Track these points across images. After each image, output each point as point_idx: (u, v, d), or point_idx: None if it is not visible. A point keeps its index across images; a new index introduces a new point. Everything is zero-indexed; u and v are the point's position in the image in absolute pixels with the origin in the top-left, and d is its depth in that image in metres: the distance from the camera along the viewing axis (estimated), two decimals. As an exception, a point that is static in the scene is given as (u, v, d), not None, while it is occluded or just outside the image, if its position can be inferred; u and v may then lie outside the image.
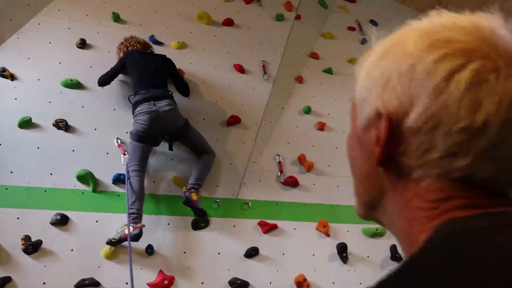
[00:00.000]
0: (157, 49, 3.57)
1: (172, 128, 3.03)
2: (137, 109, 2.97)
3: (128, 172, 2.87)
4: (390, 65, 0.46)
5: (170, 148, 3.13)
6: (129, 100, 3.18)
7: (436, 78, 0.41)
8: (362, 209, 0.55)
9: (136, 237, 2.68)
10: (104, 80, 3.18)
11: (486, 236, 0.37)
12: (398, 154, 0.45)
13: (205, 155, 3.16)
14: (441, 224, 0.41)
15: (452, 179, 0.42)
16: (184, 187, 2.96)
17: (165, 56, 3.34)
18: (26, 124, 3.00)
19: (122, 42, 3.35)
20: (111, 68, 3.20)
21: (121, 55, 3.28)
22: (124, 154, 3.04)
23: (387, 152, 0.45)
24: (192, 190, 2.93)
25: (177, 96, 3.29)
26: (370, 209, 0.53)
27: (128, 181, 2.83)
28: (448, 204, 0.42)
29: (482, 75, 0.40)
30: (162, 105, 2.97)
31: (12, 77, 3.14)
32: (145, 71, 3.10)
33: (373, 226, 3.47)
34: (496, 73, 0.40)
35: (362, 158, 0.51)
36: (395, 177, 0.46)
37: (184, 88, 3.36)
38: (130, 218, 2.71)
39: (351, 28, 4.80)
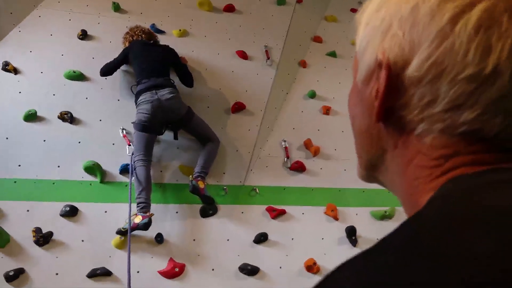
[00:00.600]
0: (158, 38, 3.54)
1: (175, 116, 3.02)
2: (140, 99, 2.96)
3: (134, 162, 2.87)
4: (392, 10, 0.42)
5: (175, 137, 3.13)
6: (132, 90, 3.16)
7: (440, 20, 0.37)
8: (363, 169, 0.52)
9: (145, 226, 2.69)
10: (106, 71, 3.18)
11: (491, 192, 0.34)
12: (399, 107, 0.41)
13: (209, 142, 3.15)
14: (445, 183, 0.38)
15: (457, 134, 0.38)
16: (190, 176, 2.96)
17: (167, 46, 3.32)
18: (32, 117, 3.01)
19: (127, 32, 3.34)
20: (114, 58, 3.19)
21: (127, 44, 3.27)
22: (129, 145, 3.04)
23: (387, 105, 0.42)
24: (199, 178, 2.93)
25: (180, 85, 3.27)
26: (371, 169, 0.50)
27: (134, 171, 2.84)
28: (453, 161, 0.39)
29: (493, 16, 0.36)
30: (164, 93, 2.95)
31: (15, 71, 3.14)
32: (147, 61, 3.08)
33: (382, 208, 3.46)
34: (508, 14, 0.36)
35: (362, 114, 0.47)
36: (396, 134, 0.43)
37: (188, 79, 3.34)
38: (138, 208, 2.72)
39: (354, 10, 4.72)
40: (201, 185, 2.90)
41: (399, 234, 0.33)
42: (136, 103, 3.01)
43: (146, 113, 2.90)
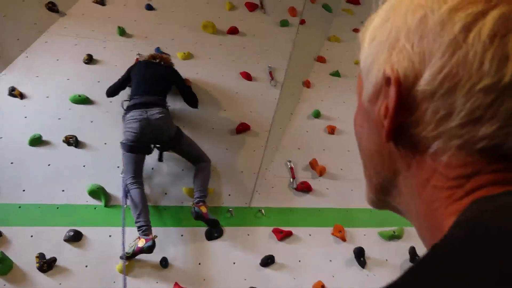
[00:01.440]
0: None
1: (164, 136, 2.96)
2: (128, 115, 2.92)
3: (126, 185, 2.83)
4: (398, 23, 0.40)
5: (160, 159, 3.06)
6: (122, 106, 3.12)
7: (452, 30, 0.35)
8: (373, 194, 0.48)
9: (150, 248, 2.65)
10: (112, 91, 3.20)
11: None
12: (410, 124, 0.39)
13: (201, 163, 3.08)
14: (470, 204, 0.35)
15: (477, 151, 0.36)
16: (191, 203, 2.92)
17: (171, 67, 3.31)
18: (37, 141, 3.02)
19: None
20: (118, 79, 3.21)
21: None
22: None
23: (398, 123, 0.39)
24: (200, 203, 2.88)
25: (181, 105, 3.28)
26: (382, 194, 0.46)
27: (129, 194, 2.80)
28: (475, 181, 0.36)
29: (508, 23, 0.34)
30: (154, 112, 2.91)
31: (22, 96, 3.17)
32: (145, 78, 3.07)
33: (390, 228, 3.40)
34: None
35: (370, 135, 0.45)
36: (409, 153, 0.40)
37: (192, 100, 3.34)
38: (140, 231, 2.70)
39: (356, 30, 4.74)
40: (203, 210, 2.85)
41: (429, 264, 0.30)
42: (123, 119, 2.97)
43: (133, 132, 2.86)
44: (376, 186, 0.47)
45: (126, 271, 2.75)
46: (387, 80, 0.39)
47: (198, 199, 2.91)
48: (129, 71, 3.19)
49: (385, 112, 0.40)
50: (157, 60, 3.27)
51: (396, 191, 0.44)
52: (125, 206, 2.78)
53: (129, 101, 3.03)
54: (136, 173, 2.87)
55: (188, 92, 3.34)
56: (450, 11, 0.36)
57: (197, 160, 3.09)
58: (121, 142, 2.92)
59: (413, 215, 0.43)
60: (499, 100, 0.34)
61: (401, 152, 0.41)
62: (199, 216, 2.84)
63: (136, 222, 2.73)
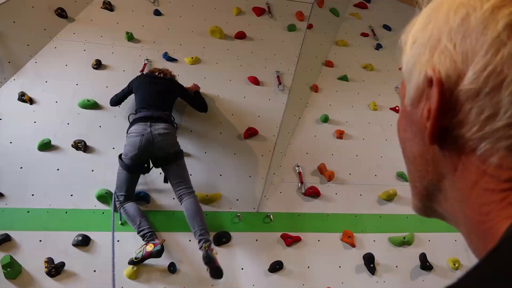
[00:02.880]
0: (171, 66, 3.58)
1: (163, 152, 2.83)
2: (132, 128, 2.86)
3: (117, 201, 2.79)
4: (439, 24, 0.39)
5: (165, 181, 2.94)
6: (128, 119, 3.05)
7: (495, 27, 0.35)
8: (418, 201, 0.47)
9: (159, 253, 2.65)
10: (115, 101, 3.21)
11: None
12: (455, 126, 0.38)
13: (189, 196, 2.83)
14: None
15: None
16: (204, 245, 2.68)
17: (173, 79, 3.26)
18: (46, 146, 3.03)
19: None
20: (121, 89, 3.21)
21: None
22: None
23: (442, 125, 0.38)
24: (212, 247, 2.70)
25: (188, 111, 3.27)
26: (427, 199, 0.45)
27: (123, 210, 2.77)
28: None
29: None
30: (159, 127, 2.84)
31: (31, 101, 3.19)
32: (148, 92, 3.03)
33: (400, 234, 3.36)
34: None
35: (413, 138, 0.44)
36: (455, 156, 0.39)
37: (200, 104, 3.34)
38: (146, 238, 2.70)
39: (364, 34, 4.75)
40: (215, 255, 2.69)
41: (481, 272, 0.29)
42: (127, 132, 2.91)
43: (133, 149, 2.78)
44: (421, 192, 0.46)
45: (133, 276, 2.74)
46: (429, 82, 0.39)
47: (207, 240, 2.70)
48: (131, 84, 3.16)
49: (428, 114, 0.39)
50: (159, 74, 3.20)
51: (442, 196, 0.43)
52: (114, 214, 2.77)
53: (135, 114, 2.99)
54: (129, 192, 2.82)
55: (195, 99, 3.34)
56: (493, 9, 0.35)
57: (182, 187, 2.85)
58: (119, 157, 2.84)
59: (460, 221, 0.42)
60: None
61: (445, 155, 0.40)
62: (210, 261, 2.64)
63: (139, 232, 2.72)
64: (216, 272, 2.67)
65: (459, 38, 0.37)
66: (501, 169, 0.36)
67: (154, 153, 2.85)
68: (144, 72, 3.35)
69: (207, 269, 2.66)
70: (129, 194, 2.83)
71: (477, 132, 0.36)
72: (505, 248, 0.30)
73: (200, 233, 2.72)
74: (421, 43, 0.41)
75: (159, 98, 3.04)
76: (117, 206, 2.80)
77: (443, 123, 0.38)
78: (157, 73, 3.20)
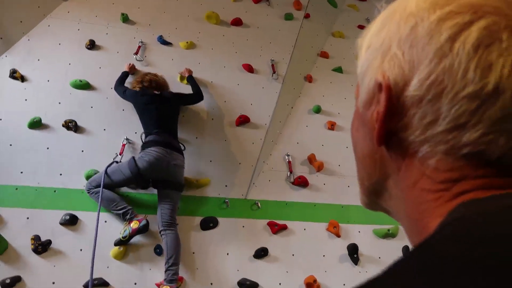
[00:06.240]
0: (165, 49, 3.57)
1: (172, 179, 2.90)
2: (152, 148, 2.85)
3: (94, 187, 2.79)
4: (391, 32, 0.41)
5: (145, 187, 2.95)
6: (141, 138, 3.05)
7: (439, 39, 0.37)
8: (365, 197, 0.50)
9: (145, 227, 2.72)
10: (118, 91, 3.20)
11: (504, 219, 0.32)
12: (400, 129, 0.40)
13: (172, 230, 2.80)
14: (456, 207, 0.36)
15: (463, 157, 0.37)
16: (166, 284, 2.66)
17: (170, 93, 3.20)
18: (36, 125, 3.02)
19: (138, 78, 3.23)
20: (125, 90, 3.15)
21: (137, 89, 3.15)
22: (121, 154, 3.04)
23: (388, 128, 0.41)
24: (173, 284, 2.65)
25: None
26: (374, 196, 0.48)
27: (93, 193, 2.79)
28: (462, 185, 0.37)
29: (493, 33, 0.35)
30: (177, 158, 2.92)
31: (22, 79, 3.17)
32: (156, 117, 2.99)
33: (385, 226, 3.41)
34: (509, 31, 0.35)
35: (364, 139, 0.46)
36: (399, 157, 0.41)
37: (196, 98, 3.32)
38: (127, 216, 2.75)
39: (361, 27, 4.73)
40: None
41: (407, 264, 0.31)
42: (144, 148, 2.90)
43: (151, 164, 2.79)
44: (368, 189, 0.49)
45: (120, 257, 2.78)
46: (379, 86, 0.41)
47: (172, 279, 2.65)
48: (132, 99, 3.12)
49: (376, 117, 0.41)
50: (155, 90, 3.14)
51: (387, 194, 0.46)
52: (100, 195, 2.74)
53: (149, 134, 2.97)
54: (110, 187, 2.83)
55: (191, 96, 3.31)
56: (438, 21, 0.37)
57: (169, 217, 2.83)
58: (133, 158, 2.84)
59: (402, 217, 0.44)
60: (483, 107, 0.35)
61: (391, 156, 0.43)
62: None
63: (118, 211, 2.76)
64: None
65: (407, 46, 0.39)
66: (438, 172, 0.38)
67: (163, 177, 2.88)
68: (137, 89, 3.15)
69: None
70: (110, 188, 2.83)
71: (420, 136, 0.39)
72: (425, 247, 0.33)
73: (170, 265, 2.67)
74: (374, 48, 0.44)
75: (164, 120, 3.02)
76: (88, 189, 2.81)
77: (390, 126, 0.41)
78: (149, 86, 3.13)
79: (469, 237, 0.31)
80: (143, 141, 3.00)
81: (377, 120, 0.41)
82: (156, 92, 3.13)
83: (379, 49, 0.42)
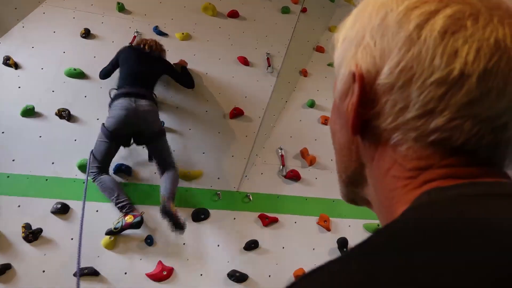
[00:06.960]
0: (161, 40, 3.55)
1: (146, 129, 2.86)
2: (116, 102, 2.84)
3: (91, 172, 2.76)
4: (364, 23, 0.42)
5: (150, 159, 2.97)
6: (109, 95, 3.02)
7: (407, 27, 0.38)
8: (344, 188, 0.51)
9: (139, 224, 2.70)
10: (103, 74, 3.18)
11: (463, 205, 0.33)
12: (373, 117, 0.41)
13: (170, 169, 2.91)
14: (420, 195, 0.37)
15: (431, 144, 0.38)
16: (162, 198, 2.76)
17: (161, 57, 3.22)
18: (29, 112, 3.01)
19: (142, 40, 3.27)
20: (109, 62, 3.16)
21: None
22: None
23: (363, 117, 0.41)
24: (170, 201, 2.74)
25: (175, 88, 3.26)
26: (351, 186, 0.49)
27: (98, 181, 2.76)
28: (428, 174, 0.38)
29: (458, 21, 0.36)
30: (143, 103, 2.84)
31: (16, 66, 3.16)
32: (134, 70, 2.99)
33: (375, 221, 3.44)
34: (474, 19, 0.36)
35: (340, 130, 0.47)
36: (373, 146, 0.42)
37: (186, 81, 3.33)
38: (124, 210, 2.73)
39: (358, 22, 4.73)
40: (173, 208, 2.73)
41: (367, 244, 0.33)
42: (110, 106, 2.89)
43: (118, 120, 2.77)
44: (345, 180, 0.50)
45: (110, 246, 2.79)
46: (353, 76, 0.42)
47: (167, 196, 2.73)
48: (118, 55, 3.12)
49: (351, 107, 0.42)
50: (148, 49, 3.13)
51: (365, 183, 0.47)
52: (87, 182, 2.74)
53: (117, 90, 2.96)
54: (105, 163, 2.81)
55: (183, 75, 3.32)
56: (406, 10, 0.38)
57: (165, 163, 2.92)
58: (102, 125, 2.82)
59: (376, 206, 0.46)
60: (450, 93, 0.36)
61: (366, 145, 0.43)
62: (167, 213, 2.69)
63: (116, 204, 2.75)
64: (176, 224, 2.73)
65: (379, 36, 0.40)
66: (407, 159, 0.39)
67: (137, 129, 2.85)
68: (133, 44, 3.29)
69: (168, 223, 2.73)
70: (105, 165, 2.82)
71: (391, 123, 0.39)
72: (383, 230, 0.34)
73: (165, 193, 2.75)
74: (349, 40, 0.44)
75: (144, 77, 3.01)
76: (92, 178, 2.79)
77: (364, 115, 0.41)
78: (144, 46, 3.15)
79: (423, 222, 0.32)
80: (111, 97, 2.95)
81: (351, 110, 0.42)
82: (143, 49, 3.13)
83: (353, 40, 0.43)
